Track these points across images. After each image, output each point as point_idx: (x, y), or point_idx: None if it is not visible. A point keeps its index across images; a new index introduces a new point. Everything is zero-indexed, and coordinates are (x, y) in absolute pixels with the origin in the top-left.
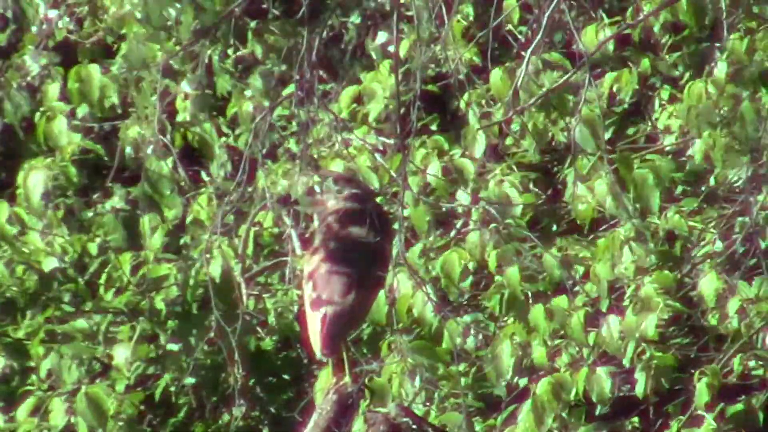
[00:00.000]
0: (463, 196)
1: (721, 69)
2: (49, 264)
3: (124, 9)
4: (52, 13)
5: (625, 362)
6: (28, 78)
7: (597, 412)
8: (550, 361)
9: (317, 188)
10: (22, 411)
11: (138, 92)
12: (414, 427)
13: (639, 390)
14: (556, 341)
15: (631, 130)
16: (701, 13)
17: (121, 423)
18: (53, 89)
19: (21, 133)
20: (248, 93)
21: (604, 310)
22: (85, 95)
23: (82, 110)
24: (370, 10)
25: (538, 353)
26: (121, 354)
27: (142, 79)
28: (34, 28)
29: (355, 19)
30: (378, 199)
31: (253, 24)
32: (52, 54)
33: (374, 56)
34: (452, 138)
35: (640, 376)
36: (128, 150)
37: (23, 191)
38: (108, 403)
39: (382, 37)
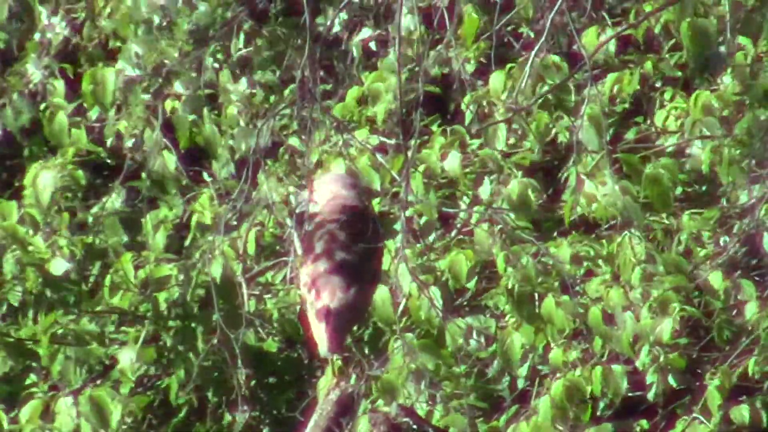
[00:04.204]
0: (486, 188)
1: (727, 84)
2: (58, 266)
3: (120, 12)
4: (55, 21)
5: (639, 365)
6: (30, 86)
7: (599, 412)
8: (563, 359)
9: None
10: (27, 412)
11: (131, 92)
12: (415, 427)
13: (651, 393)
14: (563, 339)
15: (632, 131)
16: (703, 38)
17: (125, 426)
18: (59, 86)
19: (22, 139)
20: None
21: (609, 311)
22: (99, 98)
23: (94, 112)
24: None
25: (554, 353)
26: (126, 357)
27: (139, 80)
28: (36, 35)
29: (342, 16)
30: (375, 200)
31: (248, 26)
32: (54, 61)
33: (355, 53)
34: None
35: (652, 379)
36: (128, 143)
37: (32, 192)
38: (111, 406)
39: (365, 32)
